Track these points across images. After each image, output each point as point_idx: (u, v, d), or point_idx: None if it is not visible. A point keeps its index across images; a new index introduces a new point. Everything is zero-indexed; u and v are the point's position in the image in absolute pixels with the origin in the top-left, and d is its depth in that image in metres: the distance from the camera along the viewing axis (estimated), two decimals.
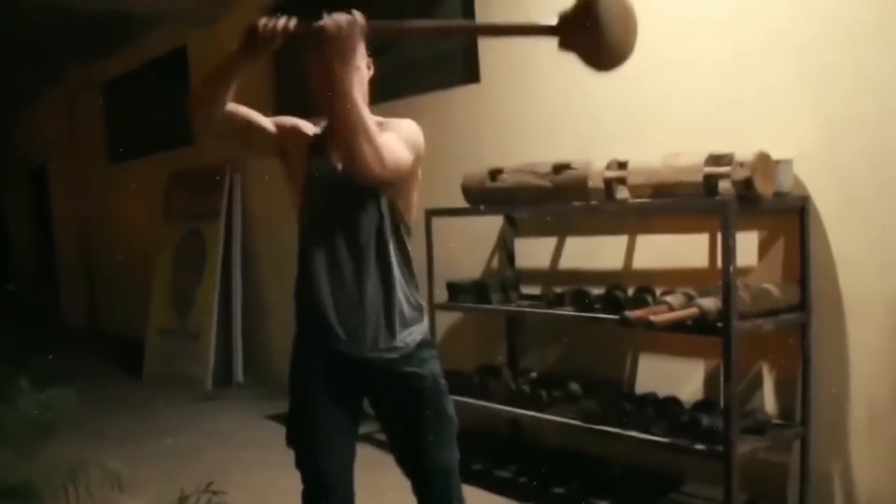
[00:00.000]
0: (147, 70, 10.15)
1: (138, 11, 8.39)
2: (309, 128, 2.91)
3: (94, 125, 11.83)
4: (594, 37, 2.50)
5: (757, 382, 4.29)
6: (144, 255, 9.88)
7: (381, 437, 3.04)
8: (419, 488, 2.88)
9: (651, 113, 4.60)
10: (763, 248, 4.23)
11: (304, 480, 2.86)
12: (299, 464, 2.87)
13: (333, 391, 2.82)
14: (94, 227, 12.16)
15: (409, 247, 2.85)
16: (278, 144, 2.88)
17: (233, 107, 2.73)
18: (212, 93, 2.67)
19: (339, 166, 2.75)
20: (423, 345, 2.85)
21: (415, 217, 2.88)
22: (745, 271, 4.14)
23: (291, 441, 2.88)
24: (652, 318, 3.77)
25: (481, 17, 5.57)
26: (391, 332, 2.78)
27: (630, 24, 2.55)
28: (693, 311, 3.77)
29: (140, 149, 10.66)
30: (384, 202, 2.75)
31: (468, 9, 5.68)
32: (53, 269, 14.11)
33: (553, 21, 2.52)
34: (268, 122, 2.86)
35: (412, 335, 2.82)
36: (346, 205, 2.75)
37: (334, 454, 2.86)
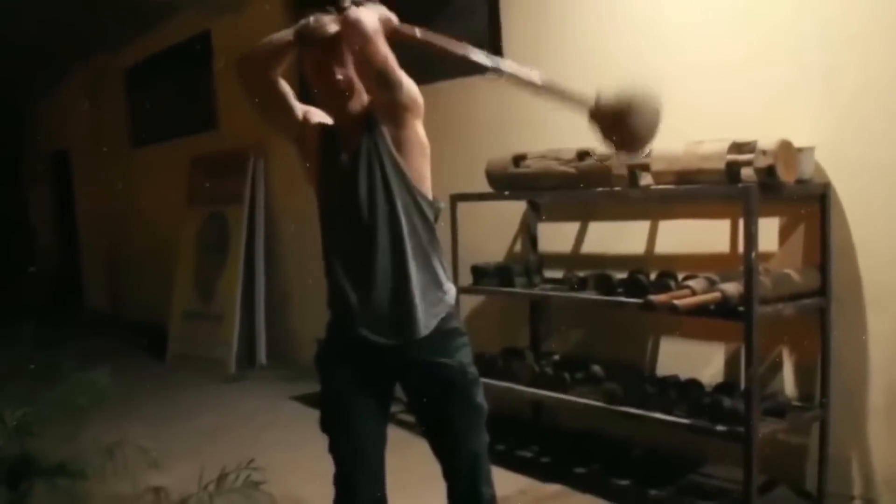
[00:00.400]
0: (169, 55, 10.20)
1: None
2: (326, 119, 2.95)
3: (117, 110, 11.88)
4: (622, 134, 2.74)
5: (777, 366, 4.35)
6: (167, 239, 9.96)
7: (405, 417, 3.07)
8: (448, 473, 2.91)
9: (675, 102, 4.59)
10: (784, 234, 4.29)
11: (336, 464, 2.90)
12: (331, 448, 2.91)
13: (361, 377, 2.85)
14: (116, 211, 12.20)
15: (432, 227, 2.87)
16: (299, 130, 2.93)
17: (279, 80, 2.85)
18: (263, 62, 2.80)
19: (346, 156, 2.81)
20: (451, 333, 2.86)
21: (429, 188, 2.88)
22: (767, 256, 4.19)
23: (324, 426, 2.92)
24: (676, 302, 3.83)
25: (507, 25, 5.64)
26: (408, 318, 2.79)
27: (655, 129, 2.76)
28: (716, 295, 3.84)
29: (163, 133, 10.71)
30: (394, 180, 2.77)
31: (494, 18, 5.75)
32: (76, 254, 14.18)
33: (590, 101, 2.74)
34: (298, 106, 2.93)
35: (432, 320, 2.82)
36: (357, 189, 2.78)
37: (363, 439, 2.89)
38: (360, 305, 2.79)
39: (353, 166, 2.79)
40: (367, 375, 2.86)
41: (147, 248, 11.10)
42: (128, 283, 12.24)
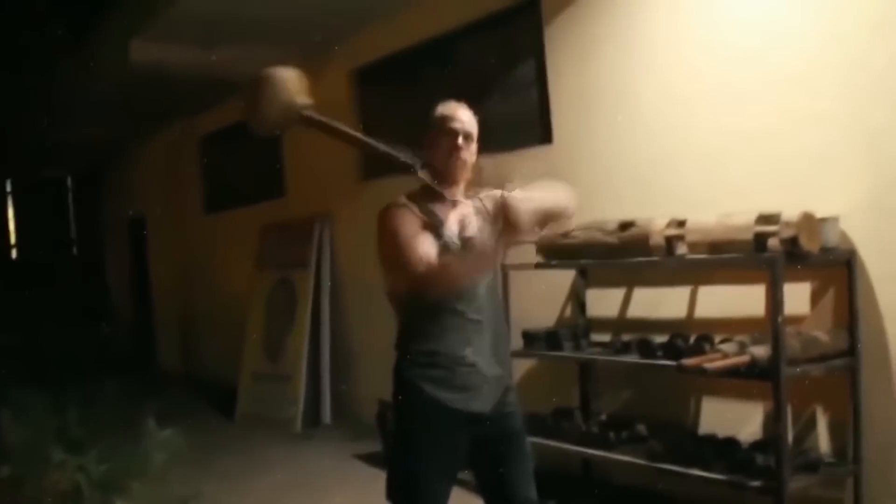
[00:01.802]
0: (241, 126, 10.50)
1: (233, 77, 8.88)
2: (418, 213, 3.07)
3: (191, 177, 12.29)
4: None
5: (811, 423, 4.52)
6: (237, 302, 10.32)
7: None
8: None
9: (709, 174, 4.90)
10: (814, 298, 4.50)
11: None
12: None
13: (454, 454, 3.02)
14: (188, 274, 12.61)
15: None
16: None
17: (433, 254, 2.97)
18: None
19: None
20: (511, 388, 3.17)
21: None
22: (798, 319, 4.40)
23: (395, 498, 3.03)
24: (706, 365, 4.10)
25: (553, 79, 5.95)
26: (510, 381, 3.14)
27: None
28: (744, 358, 4.09)
29: (234, 200, 11.10)
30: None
31: (541, 70, 6.09)
32: (149, 315, 14.57)
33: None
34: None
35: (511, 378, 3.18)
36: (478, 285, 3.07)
37: None
38: (480, 380, 3.01)
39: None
40: (457, 451, 3.03)
41: (218, 311, 11.49)
42: (199, 343, 12.55)
